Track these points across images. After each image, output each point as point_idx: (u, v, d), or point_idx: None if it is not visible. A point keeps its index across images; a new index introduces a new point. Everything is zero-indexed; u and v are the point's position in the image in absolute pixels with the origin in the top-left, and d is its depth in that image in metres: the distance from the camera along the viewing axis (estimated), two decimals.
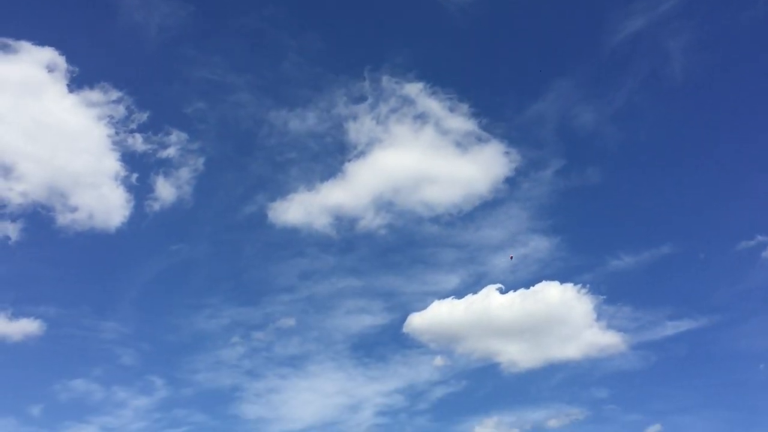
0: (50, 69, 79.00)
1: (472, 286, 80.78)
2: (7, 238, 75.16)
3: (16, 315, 72.28)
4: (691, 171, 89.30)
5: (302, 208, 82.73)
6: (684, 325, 76.93)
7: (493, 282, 79.10)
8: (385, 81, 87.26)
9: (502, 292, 77.50)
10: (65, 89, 79.62)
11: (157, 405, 73.15)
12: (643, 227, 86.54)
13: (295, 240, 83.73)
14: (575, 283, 76.96)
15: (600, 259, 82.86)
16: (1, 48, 76.74)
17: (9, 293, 75.16)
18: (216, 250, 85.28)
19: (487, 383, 78.38)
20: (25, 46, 78.12)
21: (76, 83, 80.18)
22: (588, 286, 76.76)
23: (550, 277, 79.13)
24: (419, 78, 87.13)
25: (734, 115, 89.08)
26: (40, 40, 79.29)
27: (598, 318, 75.78)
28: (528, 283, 79.75)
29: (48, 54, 79.12)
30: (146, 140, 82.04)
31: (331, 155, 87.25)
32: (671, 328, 76.89)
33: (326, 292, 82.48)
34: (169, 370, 76.04)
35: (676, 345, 76.84)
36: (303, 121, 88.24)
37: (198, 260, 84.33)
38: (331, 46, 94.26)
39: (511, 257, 66.30)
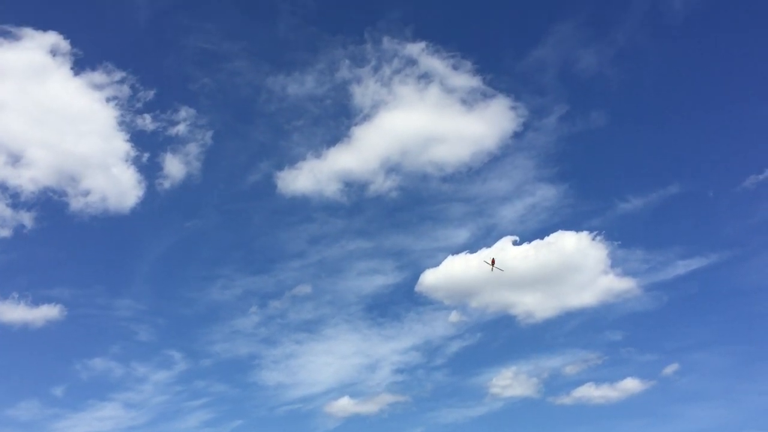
0: (54, 53, 79.65)
1: (483, 239, 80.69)
2: (22, 226, 76.32)
3: (36, 302, 73.53)
4: (695, 109, 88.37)
5: (311, 176, 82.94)
6: (695, 264, 76.58)
7: (503, 233, 79.03)
8: (387, 42, 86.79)
9: (516, 243, 77.19)
10: (70, 72, 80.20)
11: (177, 378, 74.33)
12: (650, 168, 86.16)
13: (304, 207, 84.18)
14: (589, 231, 76.58)
15: (608, 202, 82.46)
16: (3, 35, 77.70)
17: (28, 281, 76.57)
18: (225, 221, 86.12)
19: (502, 335, 78.55)
20: (28, 32, 78.83)
21: (79, 65, 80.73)
22: (603, 233, 76.27)
23: (559, 225, 79.17)
24: (418, 35, 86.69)
25: (737, 50, 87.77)
26: (43, 25, 79.85)
27: (612, 264, 75.41)
28: (538, 233, 79.68)
29: (52, 38, 79.66)
30: (155, 119, 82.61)
31: (336, 119, 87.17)
32: (682, 267, 76.47)
33: (337, 255, 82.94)
34: (186, 343, 77.16)
35: (688, 284, 76.55)
36: (302, 85, 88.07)
37: (208, 232, 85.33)
38: (325, 4, 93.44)
39: (492, 263, 66.69)
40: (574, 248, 75.79)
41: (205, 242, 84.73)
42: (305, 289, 79.69)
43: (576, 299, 74.58)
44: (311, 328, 78.22)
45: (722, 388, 71.57)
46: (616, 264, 75.42)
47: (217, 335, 77.87)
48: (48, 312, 73.26)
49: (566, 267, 75.13)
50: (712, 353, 73.22)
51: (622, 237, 77.33)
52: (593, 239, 76.02)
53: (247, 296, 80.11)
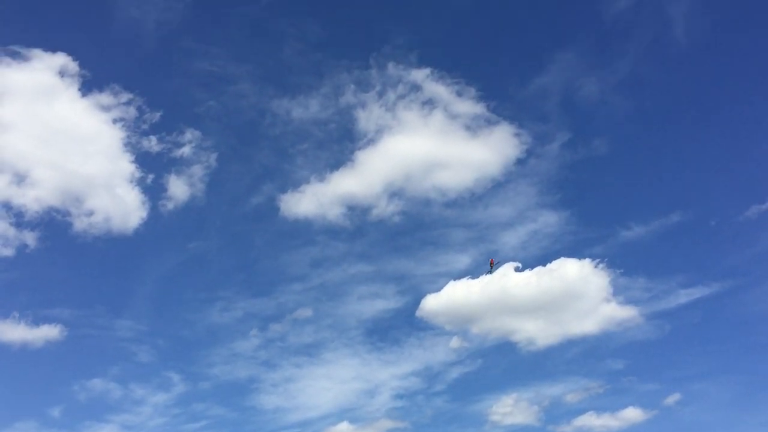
0: (63, 74, 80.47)
1: (485, 265, 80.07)
2: (25, 246, 76.23)
3: (36, 322, 73.20)
4: (697, 137, 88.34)
5: (315, 200, 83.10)
6: (697, 293, 76.10)
7: (505, 259, 78.64)
8: (391, 68, 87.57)
9: (519, 270, 76.97)
10: (78, 93, 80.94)
11: (176, 400, 73.77)
12: (652, 196, 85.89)
13: (306, 230, 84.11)
14: (591, 258, 76.40)
15: (610, 230, 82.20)
16: (12, 56, 78.67)
17: (29, 300, 76.15)
18: (227, 244, 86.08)
19: (504, 362, 77.96)
20: (37, 53, 79.74)
21: (87, 87, 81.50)
22: (605, 260, 76.11)
23: (561, 252, 78.90)
24: (423, 61, 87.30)
25: (740, 79, 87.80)
26: (52, 46, 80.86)
27: (614, 291, 75.10)
28: (540, 259, 79.41)
29: (61, 59, 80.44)
30: (160, 140, 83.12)
31: (340, 143, 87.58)
32: (684, 296, 76.10)
33: (338, 279, 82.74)
34: (185, 365, 76.75)
35: (690, 312, 75.94)
36: (306, 109, 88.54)
37: (210, 254, 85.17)
38: (330, 31, 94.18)
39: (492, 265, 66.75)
40: (576, 275, 75.66)
41: (207, 264, 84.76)
42: (306, 312, 79.70)
43: (578, 327, 74.34)
44: (311, 351, 78.03)
45: (725, 418, 70.84)
46: (618, 292, 75.33)
47: (216, 358, 77.72)
48: (48, 332, 73.16)
49: (568, 294, 74.95)
50: (715, 383, 72.67)
51: (624, 265, 77.20)
52: (595, 267, 75.98)
53: (248, 319, 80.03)
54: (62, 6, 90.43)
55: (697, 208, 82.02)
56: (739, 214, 79.16)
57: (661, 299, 76.33)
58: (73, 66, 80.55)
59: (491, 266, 67.06)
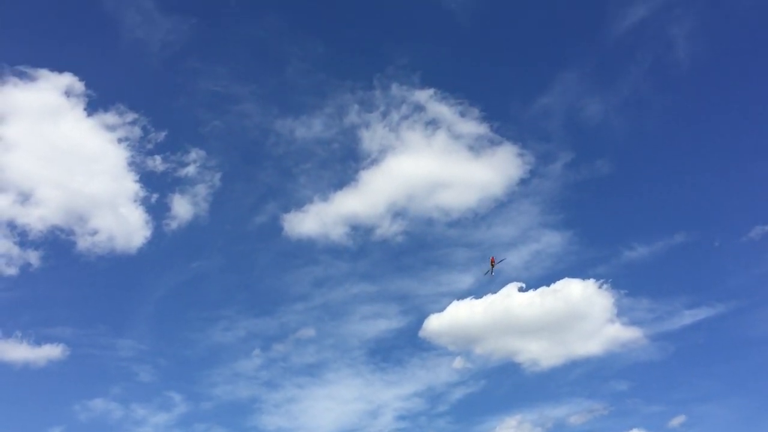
0: (68, 94, 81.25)
1: (488, 284, 79.73)
2: (29, 265, 76.38)
3: (38, 341, 73.13)
4: (700, 158, 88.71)
5: (318, 219, 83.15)
6: (701, 313, 75.84)
7: (508, 279, 78.46)
8: (395, 88, 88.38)
9: (522, 290, 76.79)
10: (83, 113, 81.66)
11: (177, 420, 73.18)
12: (656, 216, 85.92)
13: (309, 249, 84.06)
14: (596, 279, 76.20)
15: (613, 250, 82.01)
16: (19, 76, 79.56)
17: (32, 320, 76.09)
18: (230, 263, 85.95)
19: (507, 383, 77.34)
20: (44, 73, 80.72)
21: (92, 106, 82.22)
22: (609, 281, 75.90)
23: (564, 272, 78.81)
24: (426, 82, 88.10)
25: (742, 99, 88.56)
26: (59, 67, 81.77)
27: (618, 312, 74.78)
28: (542, 279, 79.37)
29: (67, 79, 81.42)
30: (165, 160, 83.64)
31: (344, 163, 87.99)
32: (689, 316, 75.79)
33: (341, 299, 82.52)
34: (187, 385, 76.31)
35: (695, 333, 75.67)
36: (309, 129, 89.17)
37: (213, 274, 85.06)
38: (334, 51, 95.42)
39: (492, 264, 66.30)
40: (580, 296, 75.44)
41: (210, 283, 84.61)
42: (309, 332, 79.39)
43: (582, 348, 73.87)
44: (313, 372, 77.53)
45: None
46: (622, 313, 75.01)
47: (218, 377, 77.22)
48: (50, 351, 73.04)
49: (572, 315, 74.65)
50: (720, 405, 71.83)
51: (628, 285, 77.03)
52: (599, 287, 75.75)
53: (250, 338, 79.74)
54: (69, 27, 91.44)
55: (701, 229, 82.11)
56: (743, 234, 79.32)
57: (666, 320, 76.10)
58: (79, 86, 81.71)
59: (492, 265, 66.37)
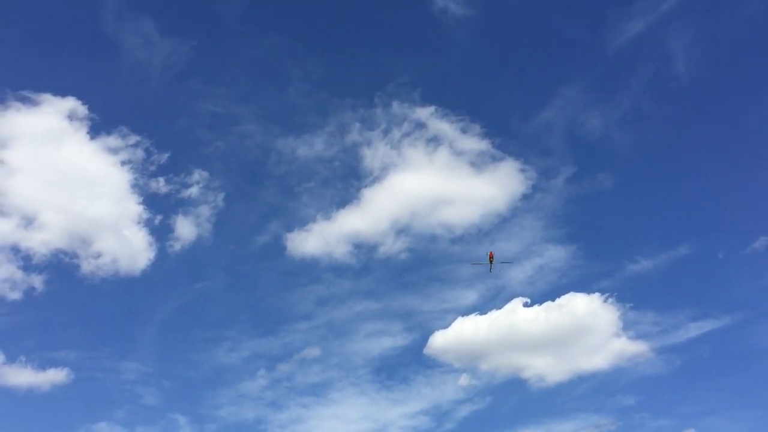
0: (71, 118, 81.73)
1: (492, 300, 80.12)
2: (33, 289, 76.26)
3: (42, 366, 72.82)
4: (702, 170, 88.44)
5: (321, 238, 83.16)
6: (707, 326, 75.33)
7: (512, 294, 78.47)
8: (396, 106, 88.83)
9: (527, 305, 76.53)
10: (86, 137, 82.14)
11: None
12: (659, 229, 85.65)
13: (312, 268, 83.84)
14: (601, 293, 75.91)
15: (617, 264, 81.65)
16: (22, 101, 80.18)
17: (36, 344, 75.69)
18: (233, 283, 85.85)
19: (513, 399, 76.57)
20: (47, 97, 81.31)
21: (95, 130, 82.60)
22: (615, 295, 75.58)
23: (569, 287, 78.57)
24: (427, 99, 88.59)
25: (743, 110, 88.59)
26: (62, 91, 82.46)
27: (624, 326, 74.51)
28: (547, 294, 79.23)
29: (70, 103, 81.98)
30: (168, 181, 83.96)
31: (346, 181, 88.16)
32: (694, 329, 75.30)
33: (344, 317, 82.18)
34: (191, 407, 75.67)
35: (701, 346, 75.16)
36: (311, 148, 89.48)
37: (216, 294, 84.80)
38: (334, 70, 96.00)
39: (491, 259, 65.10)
40: (585, 310, 75.14)
41: (213, 304, 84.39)
42: (313, 351, 78.91)
43: (588, 362, 73.45)
44: (318, 391, 76.98)
45: None
46: (627, 326, 74.66)
47: (223, 399, 76.64)
48: (55, 376, 72.70)
49: (577, 329, 74.27)
50: (728, 417, 70.98)
51: (633, 299, 76.67)
52: (604, 301, 75.45)
53: (254, 359, 79.28)
54: (71, 50, 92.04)
55: (704, 241, 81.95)
56: (747, 245, 79.05)
57: (671, 333, 75.58)
58: (82, 109, 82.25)
59: (490, 260, 65.79)
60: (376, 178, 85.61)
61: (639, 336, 74.36)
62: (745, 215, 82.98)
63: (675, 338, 75.26)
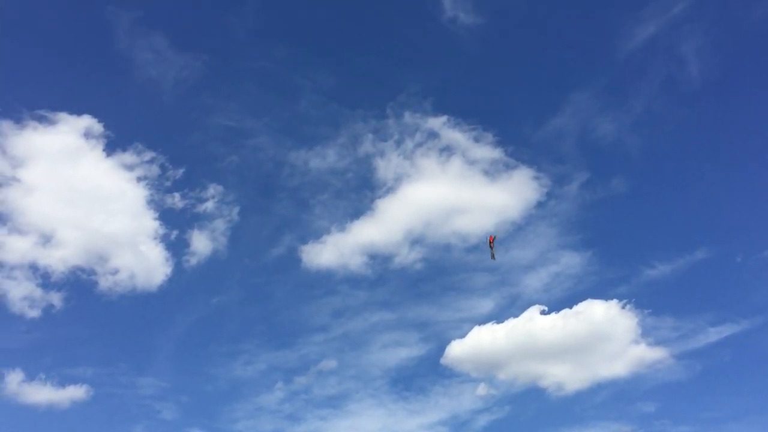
0: (87, 136, 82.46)
1: (509, 308, 79.73)
2: (52, 306, 76.52)
3: (62, 382, 72.95)
4: (717, 173, 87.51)
5: (336, 250, 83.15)
6: (726, 330, 74.33)
7: (529, 302, 78.09)
8: (408, 116, 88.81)
9: (545, 313, 76.06)
10: (102, 154, 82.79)
11: None
12: (675, 233, 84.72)
13: (328, 280, 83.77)
14: (618, 299, 75.45)
15: (634, 269, 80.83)
16: (39, 120, 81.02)
17: (55, 361, 75.81)
18: (249, 296, 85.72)
19: (532, 408, 75.76)
20: (63, 116, 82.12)
21: (111, 147, 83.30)
22: (633, 301, 75.06)
23: (585, 294, 78.14)
24: (439, 109, 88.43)
25: (757, 113, 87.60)
26: (78, 109, 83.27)
27: (643, 332, 73.79)
28: (563, 301, 78.70)
29: (86, 122, 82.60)
30: (183, 197, 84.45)
31: (359, 192, 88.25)
32: (714, 334, 74.31)
33: (360, 328, 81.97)
34: (209, 421, 75.35)
35: (721, 351, 74.02)
36: (324, 159, 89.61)
37: (232, 308, 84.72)
38: (345, 81, 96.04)
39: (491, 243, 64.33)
40: (603, 317, 74.49)
41: (230, 318, 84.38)
42: (330, 363, 78.69)
43: (607, 370, 72.75)
44: (335, 403, 76.65)
45: None
46: (646, 333, 73.89)
47: (240, 412, 76.31)
48: (74, 392, 72.73)
49: (596, 336, 73.66)
50: (750, 423, 69.55)
51: (651, 305, 76.00)
52: (622, 308, 74.89)
53: (271, 372, 79.15)
54: (84, 68, 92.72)
55: (722, 244, 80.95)
56: (765, 248, 77.92)
57: (691, 338, 74.73)
58: (98, 127, 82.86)
59: (491, 245, 65.30)
60: (389, 188, 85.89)
61: (658, 342, 73.79)
62: (763, 218, 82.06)
63: (695, 343, 74.59)
